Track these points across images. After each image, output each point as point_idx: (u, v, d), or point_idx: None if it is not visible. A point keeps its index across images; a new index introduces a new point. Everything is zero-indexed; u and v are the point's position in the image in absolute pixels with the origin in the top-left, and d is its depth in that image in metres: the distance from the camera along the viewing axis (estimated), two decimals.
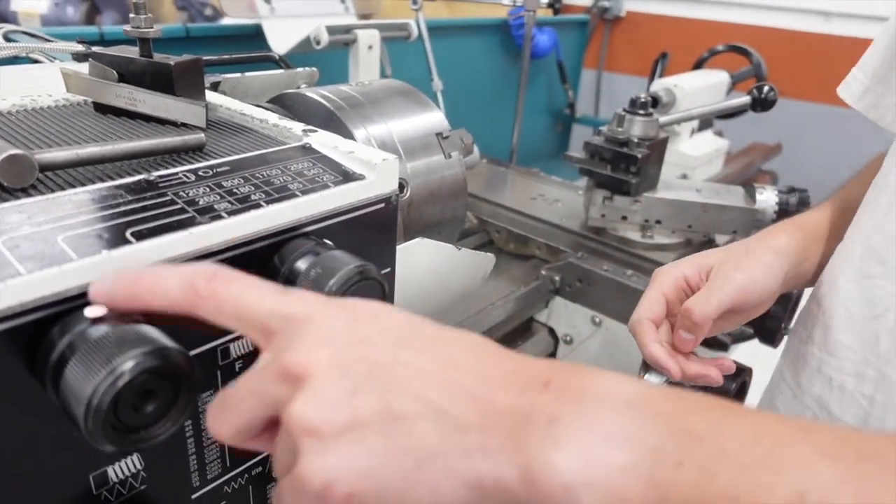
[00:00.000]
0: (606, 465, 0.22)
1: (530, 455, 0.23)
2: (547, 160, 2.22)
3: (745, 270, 0.55)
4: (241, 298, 0.27)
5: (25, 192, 0.36)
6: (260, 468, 0.44)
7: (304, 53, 1.08)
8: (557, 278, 0.89)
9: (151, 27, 0.48)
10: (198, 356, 0.36)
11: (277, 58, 0.74)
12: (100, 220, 0.33)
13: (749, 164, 1.72)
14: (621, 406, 0.23)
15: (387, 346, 0.26)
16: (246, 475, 0.43)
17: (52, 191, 0.36)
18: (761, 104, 0.89)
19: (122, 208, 0.34)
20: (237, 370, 0.39)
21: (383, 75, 1.18)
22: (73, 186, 0.37)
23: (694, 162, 1.38)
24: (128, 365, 0.27)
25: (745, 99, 0.91)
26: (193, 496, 0.40)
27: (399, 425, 0.24)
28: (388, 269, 0.47)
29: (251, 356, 0.39)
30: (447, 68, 1.38)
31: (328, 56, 1.08)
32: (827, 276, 0.58)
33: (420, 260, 0.58)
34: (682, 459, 0.22)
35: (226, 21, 1.87)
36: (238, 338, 0.38)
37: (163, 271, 0.29)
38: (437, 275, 0.61)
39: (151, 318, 0.29)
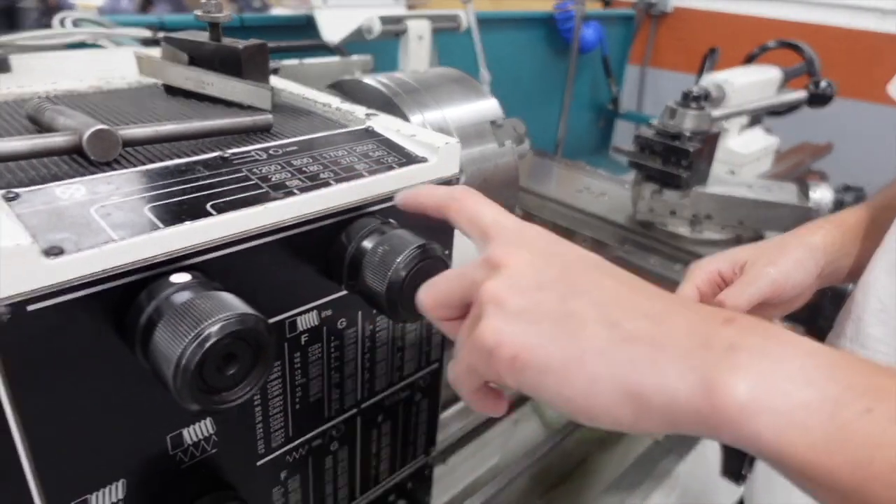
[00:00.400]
0: (790, 397, 0.22)
1: (706, 372, 0.23)
2: (589, 154, 2.21)
3: (778, 265, 0.55)
4: (477, 207, 0.33)
5: (109, 165, 0.37)
6: (319, 440, 0.45)
7: (353, 43, 1.09)
8: None
9: (221, 12, 0.49)
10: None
11: (333, 46, 0.75)
12: (182, 192, 0.34)
13: (798, 164, 1.68)
14: (804, 353, 0.23)
15: (579, 262, 0.29)
16: (307, 446, 0.44)
17: (134, 165, 0.37)
18: (819, 99, 0.87)
19: (201, 182, 0.36)
20: (303, 343, 0.40)
21: (432, 66, 1.18)
22: (153, 161, 0.38)
23: (742, 159, 1.35)
24: (214, 328, 0.28)
25: (802, 94, 0.90)
26: (258, 462, 0.41)
27: (572, 321, 0.26)
28: (447, 251, 0.48)
29: (317, 330, 0.41)
30: (493, 60, 1.38)
31: (377, 46, 1.10)
32: (866, 270, 0.57)
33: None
34: (872, 407, 0.21)
35: (275, 11, 1.90)
36: (305, 312, 0.39)
37: (434, 187, 0.36)
38: None
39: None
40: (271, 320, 0.37)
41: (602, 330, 0.26)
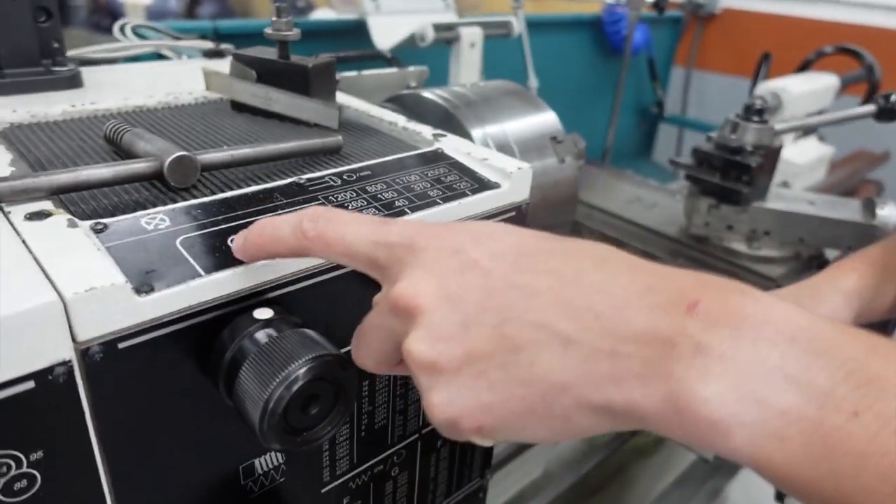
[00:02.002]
0: (765, 405, 0.19)
1: (673, 385, 0.20)
2: (631, 158, 2.17)
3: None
4: (343, 234, 0.27)
5: (188, 190, 0.37)
6: (381, 466, 0.45)
7: (403, 49, 1.09)
8: None
9: (291, 30, 0.49)
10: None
11: (390, 56, 0.75)
12: None
13: (854, 173, 1.62)
14: (785, 340, 0.20)
15: (498, 269, 0.24)
16: (369, 472, 0.44)
17: (212, 192, 0.37)
18: (888, 114, 0.83)
19: (280, 211, 0.35)
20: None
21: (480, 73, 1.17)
22: (230, 187, 0.38)
23: (797, 170, 1.31)
24: (301, 370, 0.28)
25: (869, 108, 0.86)
26: (323, 490, 0.41)
27: (519, 356, 0.22)
28: None
29: None
30: (538, 65, 1.37)
31: (426, 53, 1.09)
32: None
33: None
34: (860, 409, 0.18)
35: (319, 13, 1.91)
36: None
37: (277, 220, 0.29)
38: None
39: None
40: (344, 350, 0.37)
41: (555, 356, 0.22)
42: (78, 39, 0.93)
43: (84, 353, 0.26)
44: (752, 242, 0.93)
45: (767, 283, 0.90)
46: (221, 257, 0.31)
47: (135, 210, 0.33)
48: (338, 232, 0.27)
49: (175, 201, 0.35)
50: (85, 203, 0.34)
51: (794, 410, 0.19)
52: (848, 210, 0.88)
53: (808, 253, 0.93)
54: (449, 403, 0.23)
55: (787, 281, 0.89)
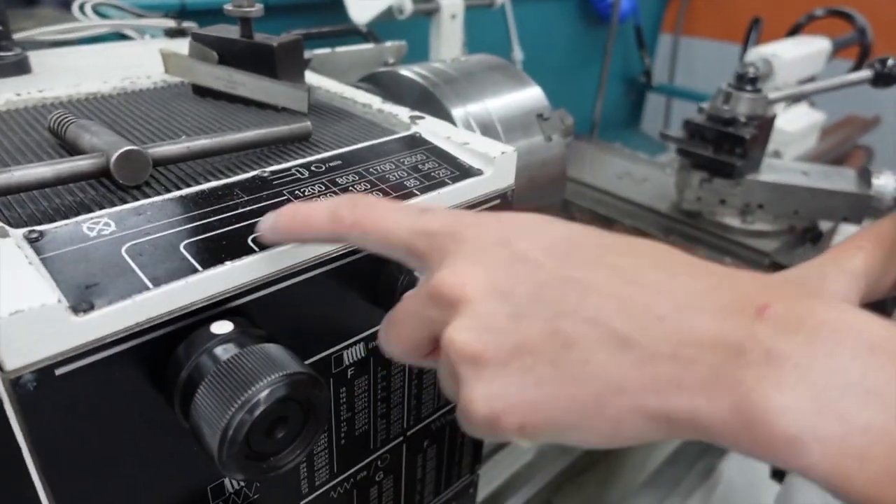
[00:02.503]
0: (845, 420, 0.18)
1: (743, 394, 0.19)
2: (619, 129, 2.14)
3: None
4: (383, 224, 0.26)
5: (139, 188, 0.34)
6: (365, 472, 0.42)
7: (381, 23, 1.04)
8: None
9: (253, 6, 0.45)
10: (315, 363, 0.35)
11: (365, 31, 0.71)
12: (220, 223, 0.31)
13: (845, 139, 1.60)
14: (866, 350, 0.18)
15: (550, 262, 0.23)
16: (352, 480, 0.41)
17: (167, 189, 0.34)
18: (885, 79, 0.80)
19: (240, 210, 0.32)
20: (349, 377, 0.37)
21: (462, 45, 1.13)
22: (187, 183, 0.35)
23: (790, 138, 1.29)
24: (263, 393, 0.25)
25: (866, 73, 0.83)
26: (301, 502, 0.39)
27: (572, 353, 0.21)
28: None
29: (363, 362, 0.37)
30: (523, 36, 1.32)
31: (405, 25, 1.05)
32: None
33: None
34: None
35: None
36: (352, 345, 0.36)
37: (311, 204, 0.28)
38: None
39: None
40: (316, 358, 0.34)
41: (611, 356, 0.21)
42: (48, 19, 0.88)
43: (14, 383, 0.23)
44: (745, 216, 0.90)
45: (761, 258, 0.88)
46: (173, 265, 0.28)
47: (77, 214, 0.30)
48: (376, 220, 0.26)
49: (125, 201, 0.32)
50: (21, 207, 0.31)
51: (877, 427, 0.18)
52: (843, 180, 0.86)
53: (802, 226, 0.91)
54: (492, 397, 0.22)
55: (780, 255, 0.87)
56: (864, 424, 0.18)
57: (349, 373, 0.37)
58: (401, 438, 0.44)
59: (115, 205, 0.31)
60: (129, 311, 0.25)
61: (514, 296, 0.22)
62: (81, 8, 0.81)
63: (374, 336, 0.37)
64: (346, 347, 0.36)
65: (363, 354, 0.37)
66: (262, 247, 0.30)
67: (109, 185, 0.34)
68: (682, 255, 0.23)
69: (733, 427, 0.19)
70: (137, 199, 0.32)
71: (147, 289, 0.26)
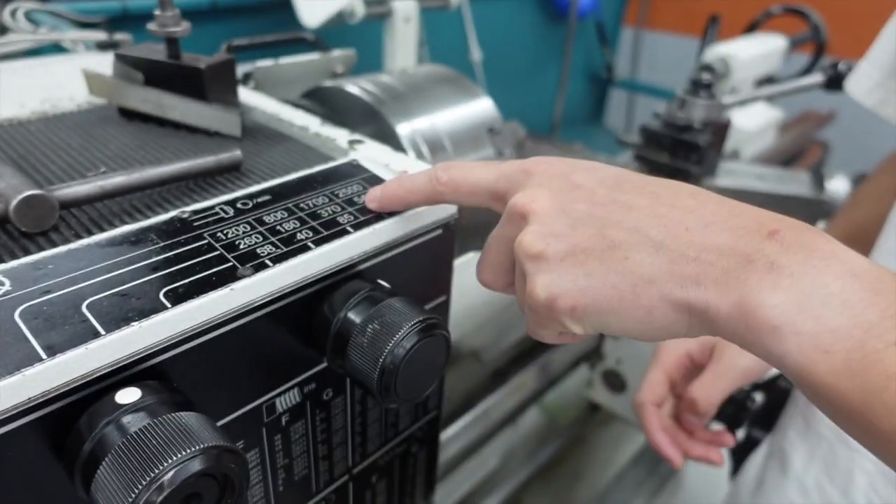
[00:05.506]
0: (819, 321, 0.22)
1: (745, 292, 0.23)
2: (582, 126, 2.14)
3: (747, 355, 0.52)
4: (471, 176, 0.33)
5: (45, 235, 0.31)
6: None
7: (332, 27, 1.01)
8: None
9: (179, 25, 0.43)
10: (244, 414, 0.33)
11: (313, 39, 0.68)
12: (130, 276, 0.29)
13: (802, 135, 1.62)
14: (849, 275, 0.23)
15: (602, 189, 0.28)
16: None
17: (77, 233, 0.31)
18: (837, 83, 0.81)
19: (154, 259, 0.30)
20: (284, 423, 0.35)
21: (418, 48, 1.11)
22: (99, 225, 0.32)
23: (748, 136, 1.30)
24: (169, 474, 0.23)
25: (817, 78, 0.83)
26: None
27: (616, 252, 0.26)
28: (443, 298, 0.43)
29: (299, 407, 0.36)
30: (481, 36, 1.30)
31: (358, 30, 1.02)
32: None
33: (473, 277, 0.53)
34: None
35: None
36: (285, 391, 0.34)
37: (413, 174, 0.35)
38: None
39: None
40: (246, 409, 0.32)
41: (647, 255, 0.26)
42: None
43: None
44: None
45: None
46: (72, 329, 0.25)
47: None
48: (464, 175, 0.33)
49: (28, 251, 0.30)
50: None
51: (842, 330, 0.22)
52: (797, 184, 0.86)
53: None
54: (551, 283, 0.27)
55: None
56: (833, 326, 0.22)
57: (283, 420, 0.35)
58: (346, 477, 0.42)
59: (16, 257, 0.29)
60: (18, 387, 0.23)
61: (573, 211, 0.28)
62: (13, 14, 0.77)
63: (309, 379, 0.36)
64: (280, 395, 0.34)
65: (298, 400, 0.35)
66: (177, 300, 0.28)
67: (13, 230, 0.31)
68: (711, 193, 0.27)
69: (734, 317, 0.23)
70: (42, 249, 0.30)
71: (40, 360, 0.24)
